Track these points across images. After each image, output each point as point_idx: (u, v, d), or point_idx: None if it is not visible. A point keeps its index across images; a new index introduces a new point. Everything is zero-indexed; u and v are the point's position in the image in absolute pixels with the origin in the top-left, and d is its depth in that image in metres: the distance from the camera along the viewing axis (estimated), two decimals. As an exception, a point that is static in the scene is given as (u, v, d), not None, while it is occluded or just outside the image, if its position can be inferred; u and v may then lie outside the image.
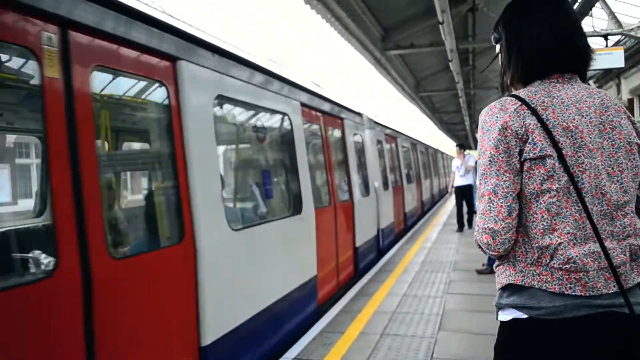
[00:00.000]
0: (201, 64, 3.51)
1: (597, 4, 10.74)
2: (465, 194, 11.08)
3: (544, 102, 1.49)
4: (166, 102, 3.21)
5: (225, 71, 3.85)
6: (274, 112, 5.03)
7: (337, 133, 7.21)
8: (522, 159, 1.46)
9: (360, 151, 8.35)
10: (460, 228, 11.34)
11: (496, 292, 1.60)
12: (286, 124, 5.25)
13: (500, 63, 1.73)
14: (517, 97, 1.51)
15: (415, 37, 12.36)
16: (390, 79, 15.41)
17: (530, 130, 1.45)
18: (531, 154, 1.44)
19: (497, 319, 1.58)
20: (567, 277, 1.42)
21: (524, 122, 1.46)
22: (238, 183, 5.23)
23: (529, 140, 1.45)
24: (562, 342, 1.41)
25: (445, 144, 39.03)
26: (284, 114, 5.14)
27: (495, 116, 1.50)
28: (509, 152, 1.46)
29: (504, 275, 1.54)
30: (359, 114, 8.39)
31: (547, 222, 1.44)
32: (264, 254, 4.25)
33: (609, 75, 13.26)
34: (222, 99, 3.93)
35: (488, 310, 5.05)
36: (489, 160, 1.48)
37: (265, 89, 4.63)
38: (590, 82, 13.28)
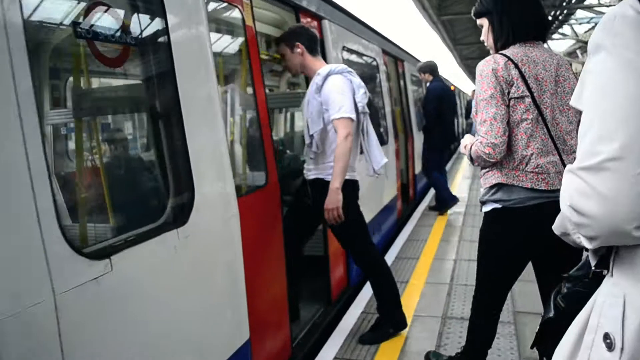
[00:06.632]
0: None
1: None
2: None
3: (522, 59, 2.23)
4: None
5: None
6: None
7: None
8: (509, 98, 2.22)
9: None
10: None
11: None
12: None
13: (488, 31, 2.40)
14: (505, 55, 2.24)
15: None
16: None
17: (515, 78, 2.20)
18: (515, 95, 2.21)
19: (481, 211, 2.42)
20: (536, 177, 2.21)
21: (510, 72, 2.21)
22: None
23: (514, 85, 2.20)
24: (520, 222, 2.26)
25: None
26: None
27: (490, 66, 2.23)
28: (502, 91, 2.21)
29: (493, 177, 2.31)
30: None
31: (524, 141, 2.22)
32: None
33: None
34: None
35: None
36: (490, 96, 2.21)
37: None
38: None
